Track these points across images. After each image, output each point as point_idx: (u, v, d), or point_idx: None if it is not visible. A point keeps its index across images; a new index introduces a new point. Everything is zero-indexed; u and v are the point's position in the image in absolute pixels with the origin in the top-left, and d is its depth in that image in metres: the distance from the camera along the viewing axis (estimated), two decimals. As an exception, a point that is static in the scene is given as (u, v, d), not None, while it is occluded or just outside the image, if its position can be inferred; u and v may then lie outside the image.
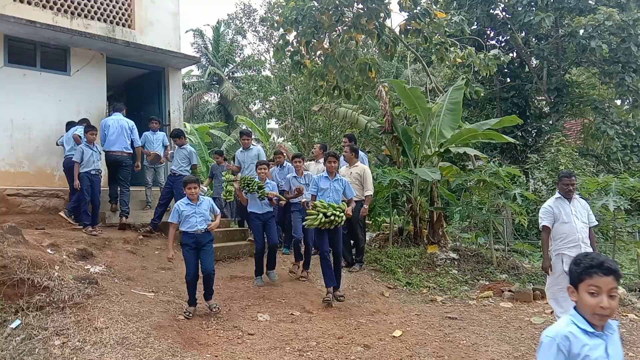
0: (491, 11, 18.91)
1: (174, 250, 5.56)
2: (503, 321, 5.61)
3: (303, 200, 6.81)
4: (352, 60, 9.33)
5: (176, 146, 8.19)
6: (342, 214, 5.89)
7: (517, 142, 9.26)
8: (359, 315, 5.70)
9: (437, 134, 8.72)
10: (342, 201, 6.11)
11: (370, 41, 10.50)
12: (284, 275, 7.18)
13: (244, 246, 7.86)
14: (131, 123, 8.23)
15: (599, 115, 17.84)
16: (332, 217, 5.81)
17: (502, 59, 9.79)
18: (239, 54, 33.32)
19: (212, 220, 5.61)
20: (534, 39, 19.58)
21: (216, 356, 4.51)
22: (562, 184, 5.29)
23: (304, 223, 6.18)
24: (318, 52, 9.56)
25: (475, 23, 18.68)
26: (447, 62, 9.78)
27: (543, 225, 5.22)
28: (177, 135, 8.16)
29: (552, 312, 5.80)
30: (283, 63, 21.64)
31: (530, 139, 20.06)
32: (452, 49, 9.93)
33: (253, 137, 9.89)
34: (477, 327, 5.44)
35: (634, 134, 17.71)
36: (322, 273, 6.17)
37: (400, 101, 9.82)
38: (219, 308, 5.56)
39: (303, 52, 9.50)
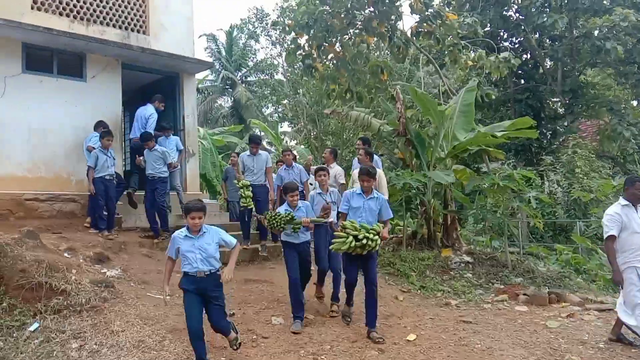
0: (504, 13, 18.79)
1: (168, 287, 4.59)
2: (518, 325, 5.57)
3: (330, 220, 5.80)
4: (363, 63, 9.35)
5: (147, 149, 8.17)
6: (376, 237, 5.00)
7: (537, 136, 9.11)
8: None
9: (450, 137, 8.69)
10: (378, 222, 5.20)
11: (382, 44, 10.50)
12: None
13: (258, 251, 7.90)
14: (149, 113, 8.81)
15: (615, 116, 17.61)
16: (365, 241, 4.95)
17: (512, 61, 9.71)
18: (251, 58, 33.49)
19: (219, 262, 4.34)
20: (547, 40, 19.43)
21: (231, 359, 4.53)
22: (635, 189, 4.79)
23: (330, 246, 5.30)
24: (330, 56, 9.60)
25: (489, 25, 18.56)
26: (460, 64, 9.74)
27: (610, 235, 4.76)
28: (147, 139, 8.16)
29: (567, 316, 5.75)
30: (295, 67, 21.74)
31: (545, 141, 19.88)
32: (464, 51, 9.91)
33: (265, 141, 9.93)
34: (491, 330, 5.40)
35: (649, 135, 17.45)
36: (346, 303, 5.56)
37: (413, 104, 9.84)
38: (238, 343, 4.49)
39: (315, 55, 9.54)
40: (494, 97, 10.45)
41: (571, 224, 12.93)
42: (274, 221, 5.50)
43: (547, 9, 17.51)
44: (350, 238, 4.97)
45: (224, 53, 33.76)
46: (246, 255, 7.76)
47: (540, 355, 4.66)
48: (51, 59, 8.56)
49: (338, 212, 5.67)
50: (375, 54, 15.41)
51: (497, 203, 9.08)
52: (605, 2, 17.16)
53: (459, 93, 9.26)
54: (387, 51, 15.01)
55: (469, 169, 9.23)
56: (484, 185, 7.74)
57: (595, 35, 16.30)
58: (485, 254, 7.98)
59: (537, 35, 19.25)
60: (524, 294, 6.47)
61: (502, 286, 6.97)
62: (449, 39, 9.62)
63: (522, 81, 20.95)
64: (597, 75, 21.01)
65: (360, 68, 9.30)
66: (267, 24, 29.32)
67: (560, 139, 18.99)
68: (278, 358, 4.61)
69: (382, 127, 9.15)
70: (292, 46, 9.68)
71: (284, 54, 27.78)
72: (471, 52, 10.44)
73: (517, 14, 18.93)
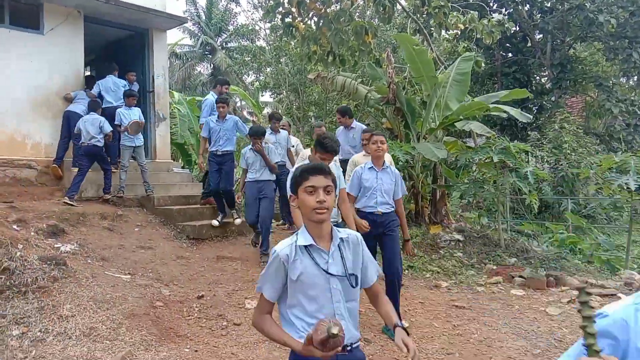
0: (495, -18, 18.13)
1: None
2: (516, 311, 5.10)
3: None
4: (347, 22, 8.59)
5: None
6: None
7: (529, 119, 8.61)
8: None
9: (442, 106, 8.09)
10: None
11: (367, 2, 9.70)
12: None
13: (231, 224, 7.25)
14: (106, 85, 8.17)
15: (604, 92, 17.27)
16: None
17: (506, 25, 9.06)
18: (232, 22, 32.19)
19: None
20: (538, 13, 18.86)
21: (196, 351, 3.95)
22: None
23: None
24: (311, 14, 8.81)
25: (478, -6, 17.88)
26: (446, 28, 9.06)
27: None
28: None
29: (568, 302, 5.30)
30: (277, 32, 20.80)
31: (531, 116, 19.55)
32: (454, 13, 9.24)
33: (245, 111, 9.17)
34: (488, 317, 4.92)
35: (639, 112, 17.18)
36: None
37: (401, 69, 9.17)
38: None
39: (295, 13, 8.75)
40: (483, 65, 9.82)
41: (558, 201, 12.59)
42: None
43: (540, -21, 16.86)
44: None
45: (203, 17, 32.39)
46: (218, 230, 7.12)
47: (544, 347, 4.19)
48: (2, 7, 7.62)
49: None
50: (360, 18, 14.58)
51: (486, 178, 8.56)
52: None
53: (450, 63, 8.62)
54: (372, 10, 14.24)
55: (460, 141, 8.67)
56: (478, 159, 7.17)
57: (588, 7, 15.77)
58: (476, 232, 7.49)
59: (527, 7, 18.65)
60: (520, 276, 6.00)
61: (495, 267, 6.50)
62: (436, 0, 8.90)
63: (510, 54, 20.47)
64: (585, 51, 20.62)
65: (343, 27, 8.53)
66: (248, -15, 27.95)
67: (547, 115, 18.63)
68: (250, 349, 4.04)
69: (369, 95, 8.49)
70: (271, 3, 8.85)
71: (266, 19, 26.72)
72: (461, 14, 9.75)
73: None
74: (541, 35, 19.18)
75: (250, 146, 6.28)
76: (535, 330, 4.57)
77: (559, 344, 4.23)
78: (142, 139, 7.96)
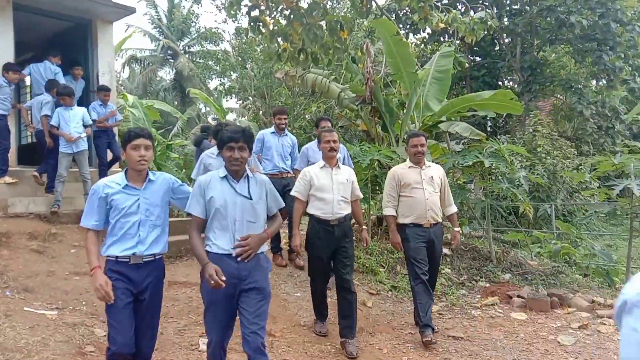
0: (463, -16, 17.76)
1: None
2: (522, 342, 4.35)
3: None
4: (320, 17, 7.79)
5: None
6: None
7: (521, 112, 8.03)
8: (336, 336, 4.28)
9: (422, 106, 7.38)
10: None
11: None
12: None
13: (186, 242, 6.26)
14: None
15: (574, 95, 17.10)
16: None
17: (489, 22, 8.46)
18: (194, 24, 31.06)
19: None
20: (506, 16, 18.62)
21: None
22: None
23: None
24: (280, 7, 7.96)
25: (446, -3, 17.50)
26: (431, 24, 8.39)
27: None
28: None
29: (580, 327, 4.59)
30: (243, 38, 19.99)
31: (500, 120, 19.28)
32: (433, 12, 8.59)
33: (210, 117, 8.19)
34: (491, 351, 4.14)
35: (609, 114, 17.05)
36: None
37: (377, 70, 8.43)
38: None
39: (262, 6, 7.87)
40: (467, 65, 9.21)
41: (535, 208, 12.07)
42: None
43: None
44: None
45: (165, 20, 31.13)
46: (170, 249, 6.10)
47: (569, 391, 3.44)
48: None
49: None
50: (335, 12, 13.89)
51: (460, 184, 7.87)
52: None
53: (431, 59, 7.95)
54: (348, 7, 13.53)
55: (441, 145, 7.97)
56: (465, 163, 6.44)
57: (559, 9, 15.53)
58: (464, 245, 6.75)
59: (495, 10, 18.40)
60: (519, 296, 5.28)
61: (488, 284, 5.78)
62: (418, -7, 8.22)
63: (479, 58, 20.22)
64: (553, 54, 20.58)
65: (316, 22, 7.73)
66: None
67: (518, 118, 18.40)
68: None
69: (343, 94, 7.69)
70: (235, -6, 7.96)
71: (230, 21, 25.86)
72: (441, 13, 9.13)
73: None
74: (510, 39, 18.97)
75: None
76: (551, 368, 3.83)
77: (585, 387, 3.49)
78: (86, 145, 6.90)
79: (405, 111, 7.29)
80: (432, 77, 7.59)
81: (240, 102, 23.75)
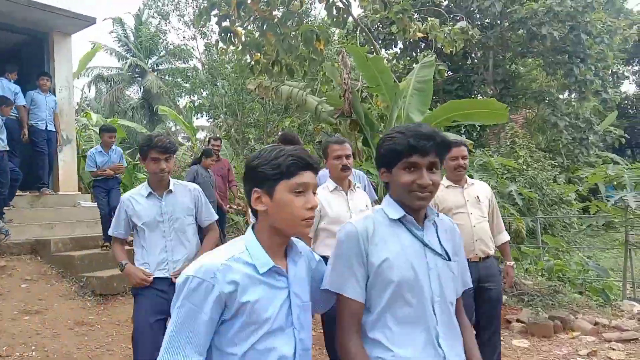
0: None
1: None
2: (530, 373, 3.94)
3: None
4: (295, 27, 7.42)
5: None
6: None
7: (506, 120, 7.82)
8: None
9: (403, 118, 7.01)
10: None
11: (317, 3, 8.60)
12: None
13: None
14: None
15: (549, 107, 17.20)
16: None
17: (470, 32, 8.26)
18: (162, 41, 30.48)
19: None
20: (478, 29, 18.75)
21: None
22: None
23: None
24: (252, 17, 7.56)
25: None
26: (409, 34, 8.12)
27: None
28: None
29: (589, 354, 4.21)
30: (213, 55, 19.60)
31: (474, 133, 19.27)
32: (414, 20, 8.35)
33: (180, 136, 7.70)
34: (498, 386, 3.71)
35: (582, 126, 17.18)
36: None
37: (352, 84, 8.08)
38: None
39: (233, 16, 7.46)
40: (446, 74, 8.98)
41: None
42: None
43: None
44: None
45: (132, 38, 30.46)
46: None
47: None
48: None
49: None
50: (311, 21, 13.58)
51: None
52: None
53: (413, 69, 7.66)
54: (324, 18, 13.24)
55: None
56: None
57: (530, 22, 15.63)
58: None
59: (467, 23, 18.48)
60: (518, 320, 4.89)
61: (483, 308, 5.36)
62: (397, 5, 7.97)
63: (451, 72, 20.26)
64: (524, 67, 20.80)
65: (291, 32, 7.35)
66: (179, 2, 26.45)
67: (492, 131, 18.41)
68: None
69: (320, 106, 7.29)
70: (205, 3, 7.52)
71: (199, 37, 25.42)
72: (419, 22, 8.91)
73: (448, 0, 18.10)
74: (482, 52, 19.07)
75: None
76: (566, 404, 3.42)
77: None
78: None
79: (386, 124, 6.92)
80: (413, 88, 7.26)
81: (211, 120, 23.25)
